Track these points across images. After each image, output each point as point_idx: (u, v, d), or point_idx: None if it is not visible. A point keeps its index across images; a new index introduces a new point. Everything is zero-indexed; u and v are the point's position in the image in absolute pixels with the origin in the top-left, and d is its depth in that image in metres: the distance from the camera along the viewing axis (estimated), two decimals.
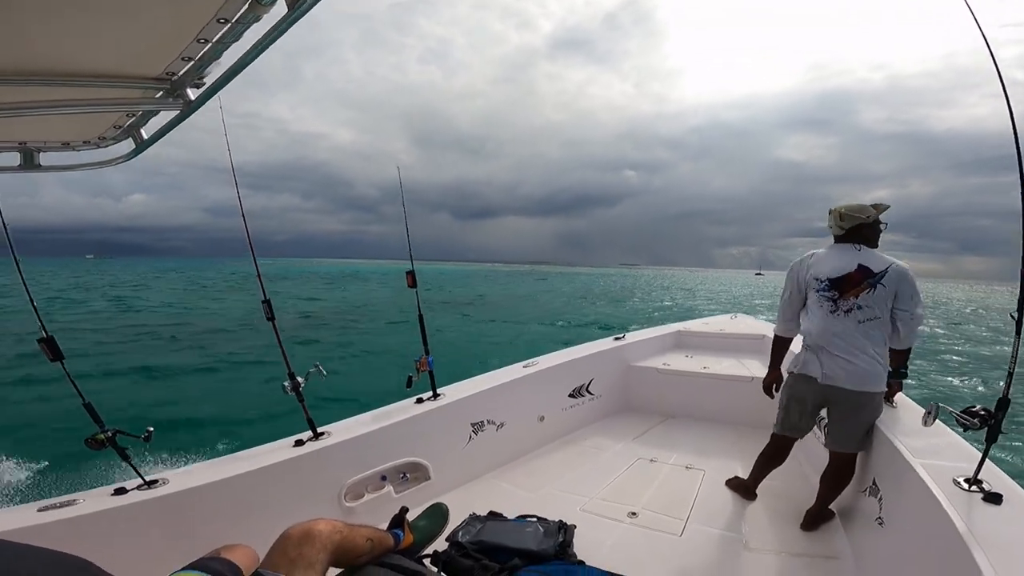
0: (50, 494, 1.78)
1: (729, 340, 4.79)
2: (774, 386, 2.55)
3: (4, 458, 5.80)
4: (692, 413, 3.94)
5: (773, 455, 2.50)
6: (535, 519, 2.17)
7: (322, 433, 2.31)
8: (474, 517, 2.18)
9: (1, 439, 6.50)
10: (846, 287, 2.14)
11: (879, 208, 2.19)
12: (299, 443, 2.21)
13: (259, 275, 2.26)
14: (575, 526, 2.16)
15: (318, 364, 2.33)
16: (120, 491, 1.76)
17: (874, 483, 2.06)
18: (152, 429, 1.85)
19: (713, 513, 2.48)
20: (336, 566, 1.26)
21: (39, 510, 1.60)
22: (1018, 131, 1.44)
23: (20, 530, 1.48)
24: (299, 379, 2.23)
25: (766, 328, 4.84)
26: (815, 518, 2.30)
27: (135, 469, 1.81)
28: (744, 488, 2.64)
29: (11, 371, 10.59)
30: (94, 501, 1.69)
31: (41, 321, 1.73)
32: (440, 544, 1.93)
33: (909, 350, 2.28)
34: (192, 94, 1.39)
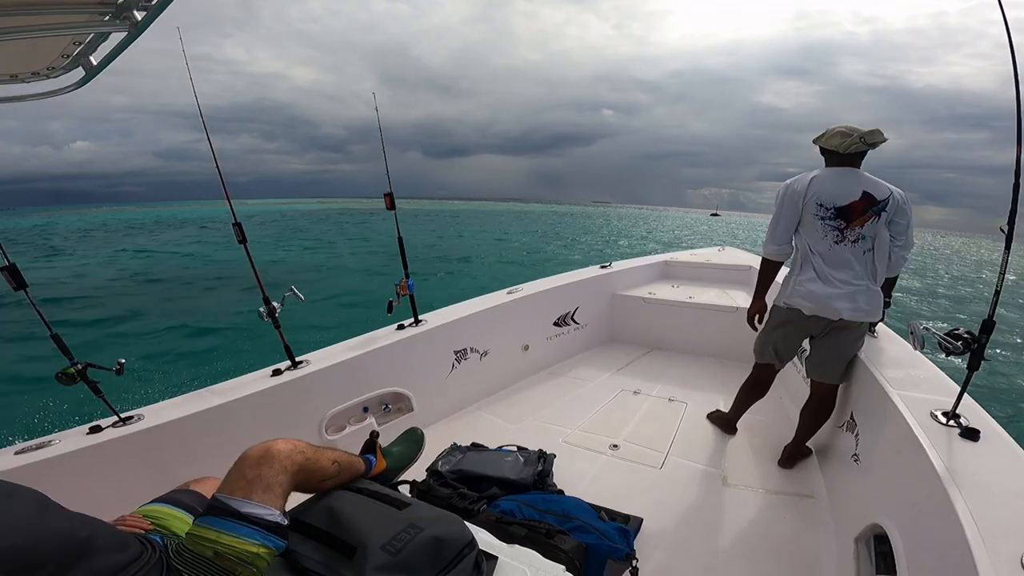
0: (29, 436, 1.75)
1: (716, 271, 4.76)
2: (757, 317, 2.44)
3: None
4: (677, 344, 3.96)
5: (755, 385, 2.49)
6: (515, 449, 2.20)
7: (301, 362, 2.25)
8: (455, 447, 2.21)
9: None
10: (853, 216, 2.03)
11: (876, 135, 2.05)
12: (277, 372, 2.16)
13: (228, 198, 2.10)
14: (555, 455, 2.19)
15: (294, 287, 2.22)
16: (95, 429, 1.73)
17: (852, 418, 2.07)
18: (124, 361, 1.78)
19: (694, 447, 2.52)
20: (300, 490, 1.20)
21: (16, 453, 1.58)
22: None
23: None
24: (275, 304, 2.13)
25: (753, 260, 4.81)
26: (792, 455, 2.33)
27: (108, 405, 1.77)
28: (725, 422, 2.67)
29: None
30: (70, 441, 1.67)
31: (3, 249, 1.64)
32: (419, 474, 1.95)
33: (895, 279, 2.24)
34: (139, 15, 1.28)
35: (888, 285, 2.22)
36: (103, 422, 1.78)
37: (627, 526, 1.72)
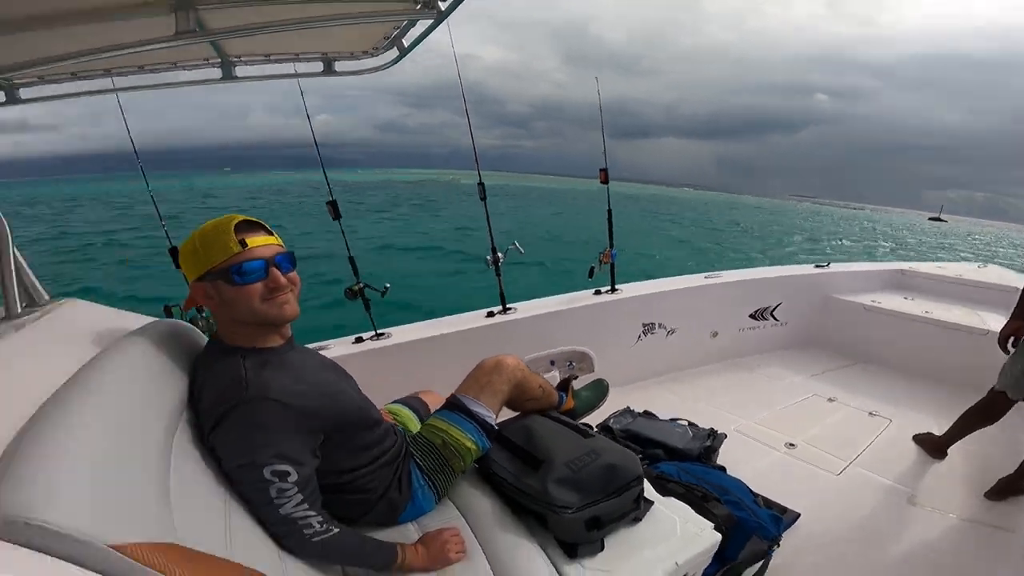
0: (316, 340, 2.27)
1: (968, 288, 3.92)
2: (1012, 339, 2.10)
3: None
4: (895, 361, 3.49)
5: (985, 410, 2.17)
6: (686, 422, 2.31)
7: (510, 308, 2.63)
8: (628, 410, 2.41)
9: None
10: None
11: None
12: (490, 314, 2.57)
13: (477, 159, 2.57)
14: (725, 435, 2.22)
15: (515, 242, 2.61)
16: (359, 340, 2.26)
17: None
18: (389, 286, 2.30)
19: (885, 462, 2.32)
20: (510, 404, 1.49)
21: None
22: None
23: None
24: (499, 254, 2.54)
25: None
26: (1007, 488, 2.03)
27: (371, 321, 2.30)
28: (935, 445, 2.38)
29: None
30: (340, 347, 2.20)
31: (329, 186, 2.24)
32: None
33: None
34: (443, 4, 1.57)
35: None
36: (364, 335, 2.29)
37: (783, 516, 1.76)
